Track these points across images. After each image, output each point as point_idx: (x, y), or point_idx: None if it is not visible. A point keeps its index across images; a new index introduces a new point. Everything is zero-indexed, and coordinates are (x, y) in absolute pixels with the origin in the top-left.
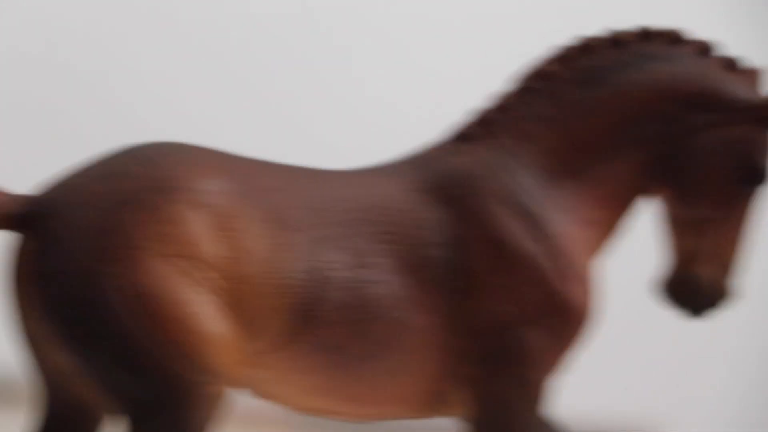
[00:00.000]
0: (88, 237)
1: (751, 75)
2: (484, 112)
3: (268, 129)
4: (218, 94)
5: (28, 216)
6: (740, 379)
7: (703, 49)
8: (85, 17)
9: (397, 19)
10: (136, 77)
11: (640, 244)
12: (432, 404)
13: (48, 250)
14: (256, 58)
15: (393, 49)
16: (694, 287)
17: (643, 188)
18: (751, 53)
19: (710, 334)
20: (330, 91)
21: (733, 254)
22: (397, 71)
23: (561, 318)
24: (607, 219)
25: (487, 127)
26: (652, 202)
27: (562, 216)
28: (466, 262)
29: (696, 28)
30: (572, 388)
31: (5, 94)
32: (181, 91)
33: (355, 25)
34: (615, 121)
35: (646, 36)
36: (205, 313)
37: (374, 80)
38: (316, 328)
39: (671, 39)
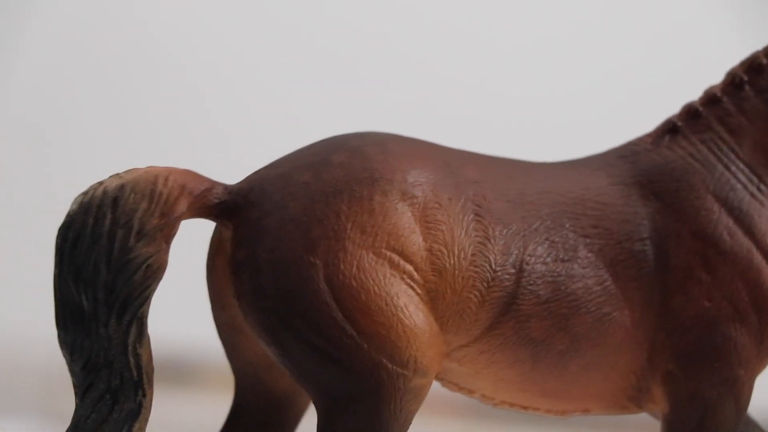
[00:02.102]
0: (296, 227)
1: None
2: (693, 104)
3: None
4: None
5: (229, 205)
6: None
7: None
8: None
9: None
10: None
11: None
12: (633, 400)
13: (253, 239)
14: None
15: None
16: None
17: None
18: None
19: None
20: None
21: None
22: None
23: None
24: None
25: (697, 122)
26: None
27: None
28: (676, 257)
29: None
30: None
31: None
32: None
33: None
34: None
35: None
36: (412, 305)
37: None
38: (520, 321)
39: None
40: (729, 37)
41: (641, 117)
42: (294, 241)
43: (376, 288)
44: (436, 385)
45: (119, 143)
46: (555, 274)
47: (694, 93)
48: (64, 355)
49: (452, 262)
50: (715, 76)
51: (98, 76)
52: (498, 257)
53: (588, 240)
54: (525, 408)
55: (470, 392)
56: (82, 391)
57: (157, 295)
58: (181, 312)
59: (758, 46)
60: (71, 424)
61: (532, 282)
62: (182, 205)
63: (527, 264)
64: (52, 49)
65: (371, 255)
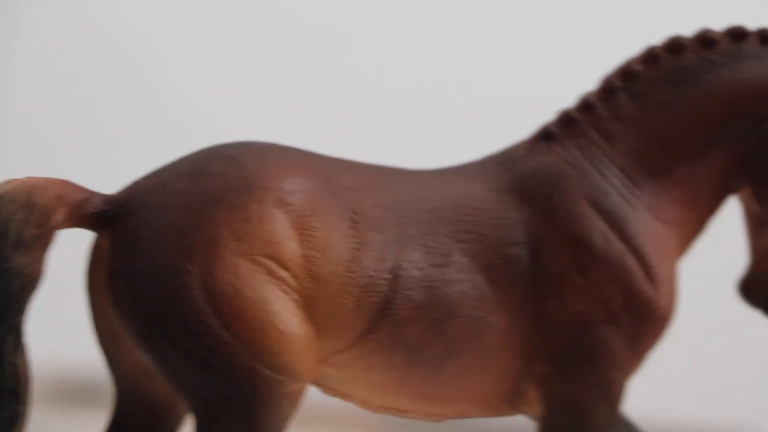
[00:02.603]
0: (173, 235)
1: None
2: (568, 111)
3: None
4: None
5: (106, 215)
6: None
7: None
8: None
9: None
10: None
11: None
12: (508, 403)
13: (130, 248)
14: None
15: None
16: None
17: (729, 188)
18: None
19: None
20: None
21: None
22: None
23: (645, 318)
24: (693, 219)
25: (572, 127)
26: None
27: (647, 216)
28: (550, 262)
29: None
30: (648, 389)
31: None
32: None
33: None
34: (702, 122)
35: (738, 35)
36: (287, 311)
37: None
38: (395, 326)
39: (765, 38)
40: None
41: None
42: (170, 249)
43: (251, 294)
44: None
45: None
46: (430, 279)
47: None
48: None
49: (328, 268)
50: None
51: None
52: (373, 263)
53: (463, 245)
54: (402, 412)
55: (348, 397)
56: None
57: (35, 304)
58: (58, 322)
59: None
60: None
61: (407, 287)
62: (59, 215)
63: (402, 269)
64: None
65: (247, 262)
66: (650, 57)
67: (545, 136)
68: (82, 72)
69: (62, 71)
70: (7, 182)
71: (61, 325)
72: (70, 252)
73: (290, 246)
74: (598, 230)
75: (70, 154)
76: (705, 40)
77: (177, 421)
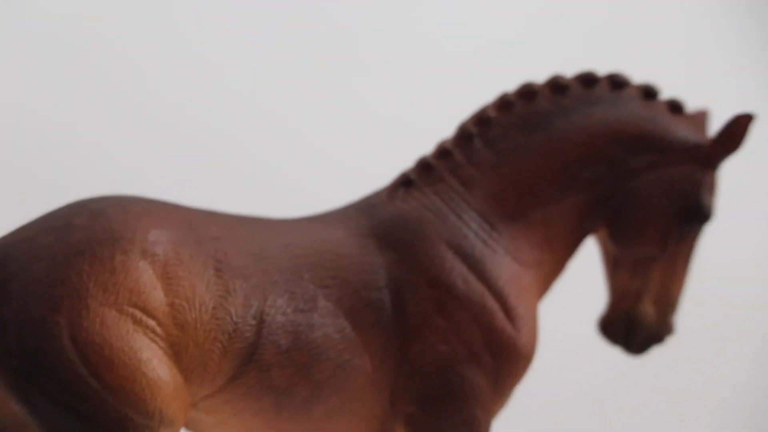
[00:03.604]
0: (40, 288)
1: (697, 117)
2: (426, 158)
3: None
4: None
5: None
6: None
7: (647, 92)
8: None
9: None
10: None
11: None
12: None
13: None
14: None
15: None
16: (639, 326)
17: (586, 229)
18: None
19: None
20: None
21: (677, 292)
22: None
23: (506, 356)
24: (551, 260)
25: (430, 174)
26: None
27: (506, 258)
28: (412, 305)
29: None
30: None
31: None
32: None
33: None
34: (556, 165)
35: (589, 80)
36: (155, 359)
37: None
38: (262, 371)
39: (615, 83)
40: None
41: None
42: (38, 301)
43: (119, 343)
44: None
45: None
46: (295, 324)
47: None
48: None
49: (194, 315)
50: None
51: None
52: (238, 309)
53: (327, 290)
54: None
55: None
56: None
57: None
58: None
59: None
60: None
61: (272, 332)
62: None
63: (267, 315)
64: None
65: (114, 312)
66: (504, 104)
67: (404, 182)
68: None
69: None
70: None
71: None
72: None
73: (156, 295)
74: (458, 273)
75: None
76: (556, 86)
77: None
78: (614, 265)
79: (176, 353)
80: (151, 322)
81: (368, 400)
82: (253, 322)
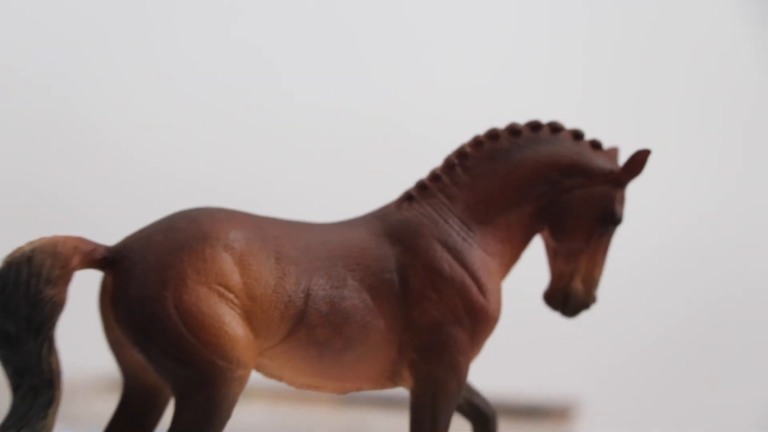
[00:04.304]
0: (153, 272)
1: (611, 152)
2: (423, 180)
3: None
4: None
5: (108, 260)
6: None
7: (576, 134)
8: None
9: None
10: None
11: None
12: (390, 380)
13: (125, 282)
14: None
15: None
16: (572, 297)
17: (534, 230)
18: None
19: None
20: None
21: (598, 274)
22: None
23: (478, 320)
24: (509, 251)
25: (425, 191)
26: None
27: (479, 251)
28: (413, 282)
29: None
30: (489, 370)
31: None
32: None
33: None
34: (513, 185)
35: (536, 126)
36: (233, 321)
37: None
38: (309, 329)
39: (554, 128)
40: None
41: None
42: (152, 281)
43: (208, 310)
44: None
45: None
46: (331, 296)
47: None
48: (2, 366)
49: (260, 291)
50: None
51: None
52: (292, 287)
53: (353, 273)
54: (317, 388)
55: (280, 379)
56: (13, 389)
57: (63, 319)
58: (79, 332)
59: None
60: (9, 411)
61: (315, 302)
62: (75, 261)
63: (312, 290)
64: None
65: (205, 288)
66: (476, 142)
67: (408, 197)
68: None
69: None
70: (38, 239)
71: (82, 335)
72: (86, 285)
73: (234, 277)
74: (445, 260)
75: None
76: (513, 130)
77: (165, 401)
78: (554, 255)
79: (248, 317)
80: (231, 296)
81: (383, 349)
82: (302, 296)
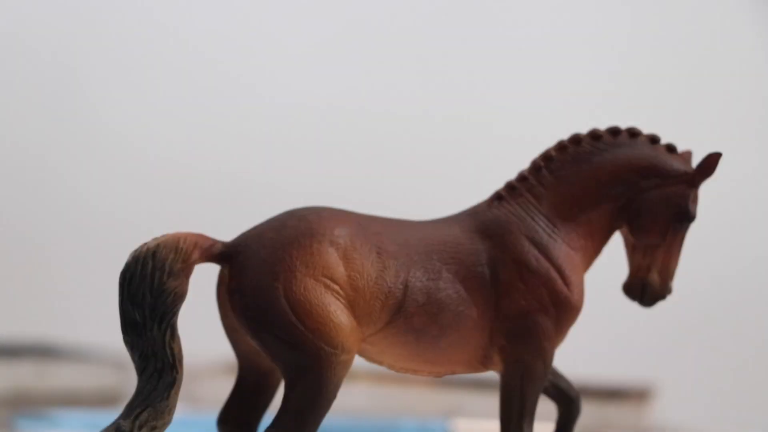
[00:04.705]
0: (266, 266)
1: (685, 155)
2: (511, 182)
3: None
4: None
5: (226, 254)
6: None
7: (653, 138)
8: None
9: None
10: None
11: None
12: (482, 364)
13: (240, 274)
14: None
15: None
16: (649, 288)
17: (613, 227)
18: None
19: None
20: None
21: (674, 267)
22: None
23: (563, 309)
24: (591, 246)
25: (514, 192)
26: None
27: (562, 245)
28: (503, 274)
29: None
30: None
31: None
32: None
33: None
34: (594, 186)
35: (615, 131)
36: (338, 310)
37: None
38: (407, 318)
39: (632, 133)
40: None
41: None
42: (264, 274)
43: (315, 300)
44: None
45: None
46: (428, 287)
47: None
48: (128, 350)
49: (363, 283)
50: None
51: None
52: (391, 279)
53: (448, 266)
54: (414, 372)
55: (380, 363)
56: (140, 371)
57: (184, 309)
58: (199, 320)
59: None
60: (135, 392)
61: (413, 293)
62: (195, 255)
63: (410, 282)
64: None
65: (312, 280)
66: (561, 147)
67: (498, 197)
68: None
69: None
70: (162, 235)
71: (201, 323)
72: (205, 277)
73: (339, 270)
74: (532, 254)
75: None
76: (594, 135)
77: (276, 383)
78: (632, 250)
79: (352, 307)
80: (336, 287)
81: (475, 336)
82: (401, 287)
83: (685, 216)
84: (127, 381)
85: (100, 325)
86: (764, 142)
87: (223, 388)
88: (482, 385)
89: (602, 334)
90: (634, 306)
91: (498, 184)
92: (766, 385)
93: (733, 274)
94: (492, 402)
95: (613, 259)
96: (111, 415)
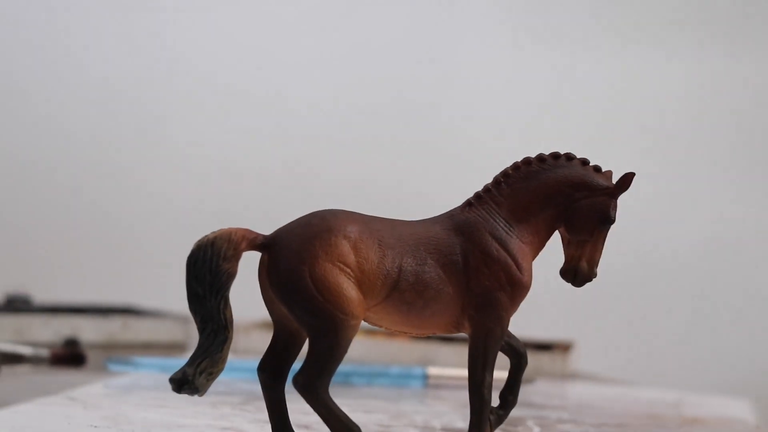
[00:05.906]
0: (296, 254)
1: (607, 173)
2: (478, 192)
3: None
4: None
5: (266, 245)
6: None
7: (584, 161)
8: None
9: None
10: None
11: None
12: (454, 327)
13: (276, 260)
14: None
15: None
16: (579, 273)
17: (554, 227)
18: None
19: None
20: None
21: (598, 257)
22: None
23: (516, 288)
24: (537, 241)
25: (480, 200)
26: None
27: (516, 240)
28: (471, 262)
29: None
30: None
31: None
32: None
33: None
34: (540, 197)
35: (556, 156)
36: (349, 287)
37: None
38: (400, 293)
39: (568, 157)
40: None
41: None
42: (295, 259)
43: (332, 279)
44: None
45: None
46: (416, 271)
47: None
48: (192, 315)
49: (368, 267)
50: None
51: None
52: (389, 264)
53: (431, 255)
54: (404, 333)
55: (380, 326)
56: (200, 331)
57: (235, 285)
58: (245, 292)
59: None
60: (197, 347)
61: (406, 275)
62: (243, 245)
63: (403, 267)
64: None
65: (330, 264)
66: (515, 167)
67: (468, 204)
68: None
69: None
70: (219, 230)
71: (247, 294)
72: (251, 262)
73: (351, 257)
74: (494, 246)
75: None
76: (540, 158)
77: (302, 341)
78: (567, 244)
79: (359, 285)
80: (348, 270)
81: (451, 307)
82: (396, 270)
83: (607, 220)
84: (192, 336)
85: (171, 293)
86: (654, 165)
87: (261, 341)
88: (450, 341)
89: (540, 303)
90: (566, 284)
91: (470, 191)
92: (655, 341)
93: (633, 261)
94: (458, 353)
95: (552, 252)
96: (179, 361)
